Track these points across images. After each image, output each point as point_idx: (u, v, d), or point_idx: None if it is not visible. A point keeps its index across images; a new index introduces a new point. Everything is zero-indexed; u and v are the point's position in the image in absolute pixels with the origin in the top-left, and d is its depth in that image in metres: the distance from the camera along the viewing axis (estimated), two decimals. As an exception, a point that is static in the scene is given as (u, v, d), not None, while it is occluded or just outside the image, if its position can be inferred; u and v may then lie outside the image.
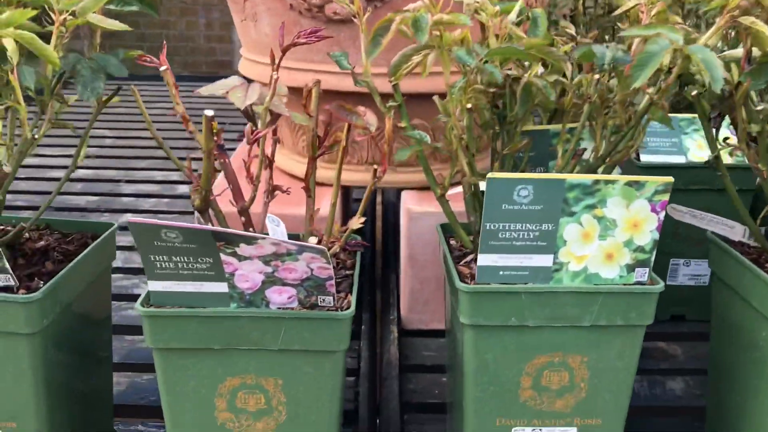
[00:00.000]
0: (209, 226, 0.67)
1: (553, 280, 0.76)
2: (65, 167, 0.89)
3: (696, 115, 1.20)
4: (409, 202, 1.25)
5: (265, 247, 0.68)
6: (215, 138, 0.71)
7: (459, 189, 0.90)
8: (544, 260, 0.75)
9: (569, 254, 0.75)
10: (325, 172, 1.10)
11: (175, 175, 2.07)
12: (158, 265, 0.71)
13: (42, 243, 0.90)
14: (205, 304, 0.74)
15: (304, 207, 1.22)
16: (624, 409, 0.82)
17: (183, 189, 1.98)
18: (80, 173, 2.07)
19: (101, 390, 0.98)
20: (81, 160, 0.92)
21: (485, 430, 0.81)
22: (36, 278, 0.83)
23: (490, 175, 0.71)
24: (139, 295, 1.47)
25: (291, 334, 0.74)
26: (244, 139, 0.76)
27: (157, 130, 0.82)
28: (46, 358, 0.80)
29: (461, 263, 0.83)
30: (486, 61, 0.72)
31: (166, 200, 1.90)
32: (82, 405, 0.91)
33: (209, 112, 0.70)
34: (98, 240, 0.89)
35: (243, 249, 0.69)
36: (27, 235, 0.92)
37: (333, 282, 0.72)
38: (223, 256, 0.70)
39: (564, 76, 0.79)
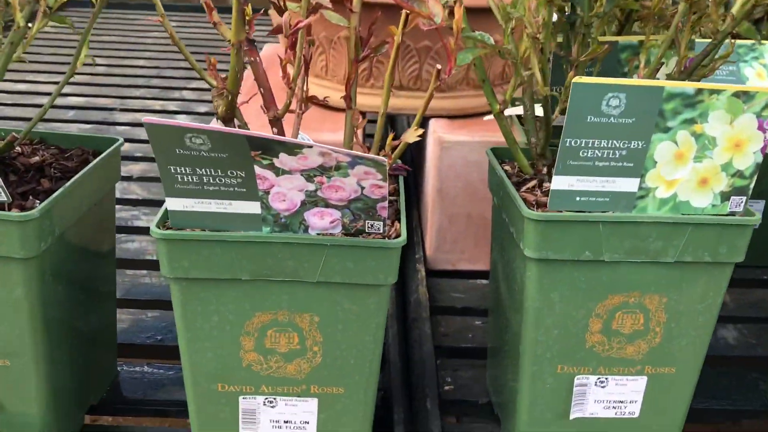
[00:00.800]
0: (245, 131, 0.56)
1: (636, 209, 0.65)
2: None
3: (755, 42, 1.08)
4: (439, 131, 1.13)
5: (309, 158, 0.57)
6: (247, 27, 0.59)
7: (489, 116, 0.79)
8: (630, 185, 0.64)
9: (658, 178, 0.64)
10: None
11: (173, 105, 1.94)
12: (179, 179, 0.60)
13: (36, 158, 0.79)
14: (232, 227, 0.63)
15: (328, 133, 1.10)
16: (701, 357, 0.73)
17: (182, 119, 1.86)
18: (72, 100, 1.93)
19: (104, 327, 0.87)
20: (80, 64, 0.80)
21: (544, 377, 0.72)
22: (30, 197, 0.72)
23: (576, 79, 0.60)
24: (139, 228, 1.37)
25: (332, 264, 0.64)
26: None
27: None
28: (43, 287, 0.69)
29: (523, 190, 0.72)
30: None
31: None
32: (84, 343, 0.81)
33: (240, -3, 0.58)
34: (102, 155, 0.78)
35: (283, 160, 0.58)
36: (19, 149, 0.80)
37: (386, 204, 0.61)
38: (257, 169, 0.59)
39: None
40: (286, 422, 0.71)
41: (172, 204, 0.62)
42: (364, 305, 0.66)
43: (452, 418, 0.89)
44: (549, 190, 0.66)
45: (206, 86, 2.08)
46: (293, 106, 0.68)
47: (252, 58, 0.63)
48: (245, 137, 0.56)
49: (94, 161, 0.76)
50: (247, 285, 0.65)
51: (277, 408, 0.71)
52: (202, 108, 1.93)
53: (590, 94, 0.60)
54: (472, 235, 1.16)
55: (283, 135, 0.68)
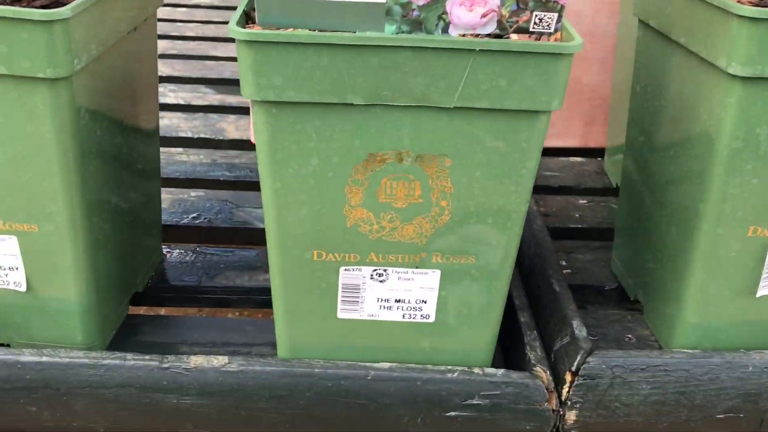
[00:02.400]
0: None
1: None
2: None
3: None
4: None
5: None
6: None
7: None
8: None
9: None
10: None
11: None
12: (275, -52, 0.42)
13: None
14: (345, 24, 0.45)
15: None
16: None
17: None
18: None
19: (147, 203, 0.71)
20: None
21: (729, 244, 0.56)
22: None
23: None
24: (168, 105, 1.16)
25: (478, 80, 0.47)
26: None
27: None
28: (78, 124, 0.53)
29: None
30: None
31: None
32: (125, 216, 0.64)
33: None
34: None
35: None
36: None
37: (568, -17, 0.43)
38: (392, -74, 0.41)
39: None
40: (397, 301, 0.56)
41: (262, -9, 0.45)
42: (513, 142, 0.49)
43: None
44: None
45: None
46: None
47: None
48: None
49: (135, -32, 0.58)
50: (359, 113, 0.48)
51: (388, 282, 0.55)
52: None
53: None
54: (569, 107, 0.98)
55: None
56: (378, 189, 0.51)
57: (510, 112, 0.48)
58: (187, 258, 0.75)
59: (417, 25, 0.45)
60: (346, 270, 0.54)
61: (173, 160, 0.94)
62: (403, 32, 0.46)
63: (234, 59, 1.30)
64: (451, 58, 0.46)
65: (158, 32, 1.41)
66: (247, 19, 0.49)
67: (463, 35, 0.46)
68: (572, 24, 0.49)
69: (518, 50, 0.45)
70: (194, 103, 1.11)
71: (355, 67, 0.46)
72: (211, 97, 1.13)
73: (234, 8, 1.52)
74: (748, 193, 0.54)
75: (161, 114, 1.06)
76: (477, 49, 0.45)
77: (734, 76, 0.50)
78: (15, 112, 0.50)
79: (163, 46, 1.34)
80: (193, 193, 0.87)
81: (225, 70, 1.24)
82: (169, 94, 1.14)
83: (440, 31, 0.46)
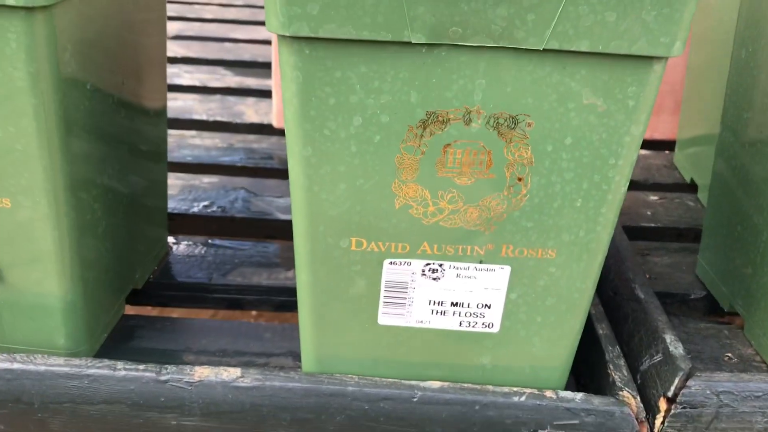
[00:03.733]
0: None
1: None
2: None
3: None
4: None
5: None
6: None
7: None
8: None
9: None
10: None
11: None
12: None
13: None
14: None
15: None
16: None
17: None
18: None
19: (153, 191, 0.60)
20: None
21: None
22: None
23: None
24: (182, 86, 1.04)
25: (579, 11, 0.35)
26: None
27: None
28: (63, 72, 0.42)
29: None
30: None
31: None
32: (121, 202, 0.54)
33: None
34: None
35: None
36: None
37: None
38: None
39: None
40: (454, 305, 0.44)
41: None
42: (617, 99, 0.38)
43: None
44: None
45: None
46: None
47: None
48: None
49: None
50: (418, 56, 0.37)
51: (444, 280, 0.43)
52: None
53: None
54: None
55: None
56: (438, 159, 0.40)
57: (617, 58, 0.37)
58: (196, 251, 0.65)
59: (501, -65, 0.34)
60: (391, 263, 0.43)
61: (185, 143, 0.84)
62: (482, -56, 0.35)
63: (255, 42, 1.20)
64: (544, -18, 0.35)
65: (174, 14, 1.32)
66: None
67: (562, -49, 0.35)
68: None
69: (636, -30, 0.34)
70: (211, 84, 1.00)
71: (417, -8, 0.35)
72: (230, 78, 1.03)
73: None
74: None
75: (175, 95, 0.97)
76: (580, -32, 0.34)
77: None
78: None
79: (178, 27, 1.24)
80: (206, 179, 0.76)
81: (245, 53, 1.14)
82: (184, 75, 1.03)
83: (532, -57, 0.35)
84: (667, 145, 0.87)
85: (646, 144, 0.87)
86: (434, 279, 0.43)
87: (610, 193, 0.41)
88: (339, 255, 0.43)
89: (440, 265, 0.43)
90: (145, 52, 0.55)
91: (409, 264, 0.43)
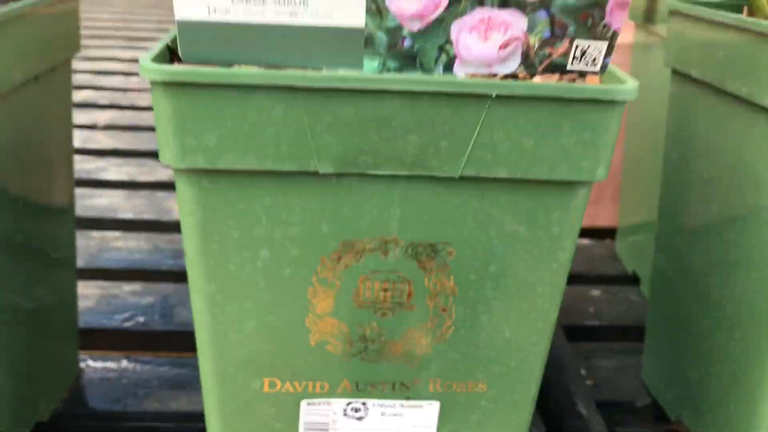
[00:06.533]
0: None
1: None
2: None
3: None
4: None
5: None
6: None
7: None
8: None
9: None
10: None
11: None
12: (203, -53, 0.29)
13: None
14: (307, 60, 0.32)
15: None
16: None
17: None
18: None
19: (57, 305, 0.56)
20: None
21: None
22: None
23: None
24: (108, 182, 0.99)
25: (494, 139, 0.33)
26: None
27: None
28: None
29: None
30: None
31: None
32: (20, 320, 0.49)
33: None
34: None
35: None
36: None
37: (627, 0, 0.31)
38: None
39: None
40: (381, 445, 0.40)
41: (183, 12, 0.31)
42: (541, 225, 0.36)
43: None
44: None
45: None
46: None
47: None
48: None
49: None
50: (327, 186, 0.34)
51: (368, 420, 0.40)
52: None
53: None
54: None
55: None
56: (354, 292, 0.37)
57: (538, 184, 0.35)
58: (111, 373, 0.60)
59: (409, 60, 0.32)
60: (309, 404, 0.39)
61: (107, 246, 0.79)
62: (389, 70, 0.32)
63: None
64: (458, 107, 0.32)
65: (107, 102, 1.29)
66: (171, 55, 0.35)
67: (475, 75, 0.33)
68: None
69: (553, 95, 0.32)
70: (139, 179, 0.96)
71: (323, 120, 0.32)
72: (161, 171, 0.99)
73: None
74: None
75: (100, 192, 0.93)
76: (494, 94, 0.32)
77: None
78: None
79: (110, 116, 1.21)
80: (127, 287, 0.72)
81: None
82: (111, 169, 0.99)
83: (442, 68, 0.32)
84: (609, 233, 0.85)
85: (588, 233, 0.85)
86: (358, 419, 0.40)
87: (540, 322, 0.38)
88: (251, 397, 0.39)
89: (363, 404, 0.39)
90: (46, 144, 0.51)
91: (329, 404, 0.39)
